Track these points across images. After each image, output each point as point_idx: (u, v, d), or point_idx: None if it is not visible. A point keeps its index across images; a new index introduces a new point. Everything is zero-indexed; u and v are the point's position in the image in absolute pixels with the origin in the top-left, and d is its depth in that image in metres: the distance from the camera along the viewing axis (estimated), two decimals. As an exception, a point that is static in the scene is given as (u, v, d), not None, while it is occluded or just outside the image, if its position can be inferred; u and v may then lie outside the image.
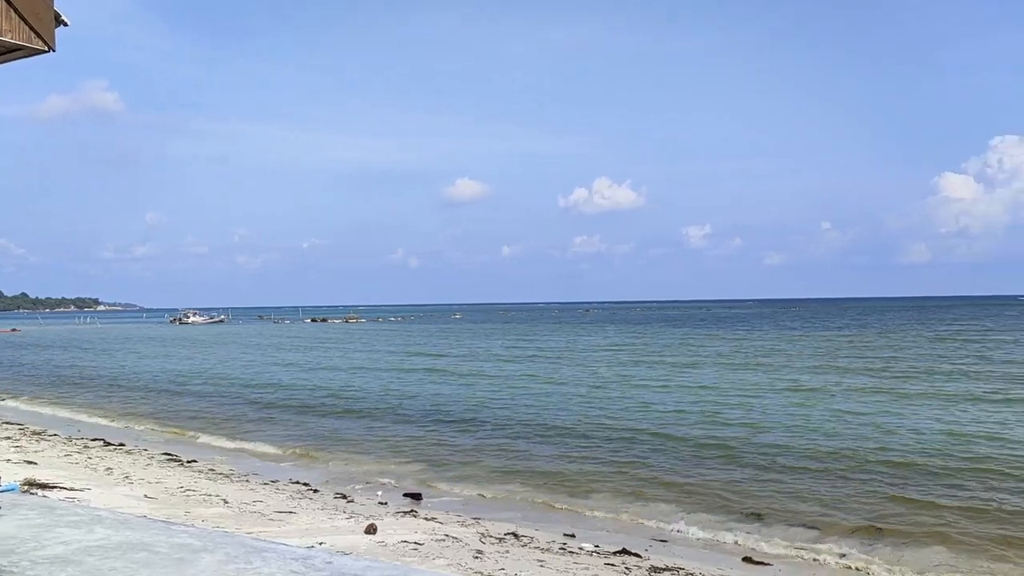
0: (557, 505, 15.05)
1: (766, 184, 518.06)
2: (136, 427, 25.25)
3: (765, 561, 11.71)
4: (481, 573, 9.92)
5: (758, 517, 13.86)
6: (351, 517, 12.93)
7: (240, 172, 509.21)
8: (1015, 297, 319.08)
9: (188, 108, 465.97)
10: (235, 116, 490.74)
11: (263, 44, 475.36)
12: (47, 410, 29.42)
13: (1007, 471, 16.60)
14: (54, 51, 8.76)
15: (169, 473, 16.68)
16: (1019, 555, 11.74)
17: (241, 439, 22.58)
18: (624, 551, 11.68)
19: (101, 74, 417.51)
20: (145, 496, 13.85)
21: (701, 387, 32.01)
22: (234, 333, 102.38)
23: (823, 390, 30.40)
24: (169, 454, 19.39)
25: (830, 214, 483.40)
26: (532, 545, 11.82)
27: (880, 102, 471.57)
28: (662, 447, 19.86)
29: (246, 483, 16.11)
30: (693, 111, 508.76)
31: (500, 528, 12.81)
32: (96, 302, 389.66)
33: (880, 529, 13.06)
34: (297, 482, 16.50)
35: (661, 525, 13.61)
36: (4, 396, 33.71)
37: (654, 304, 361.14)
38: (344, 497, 15.04)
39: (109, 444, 20.64)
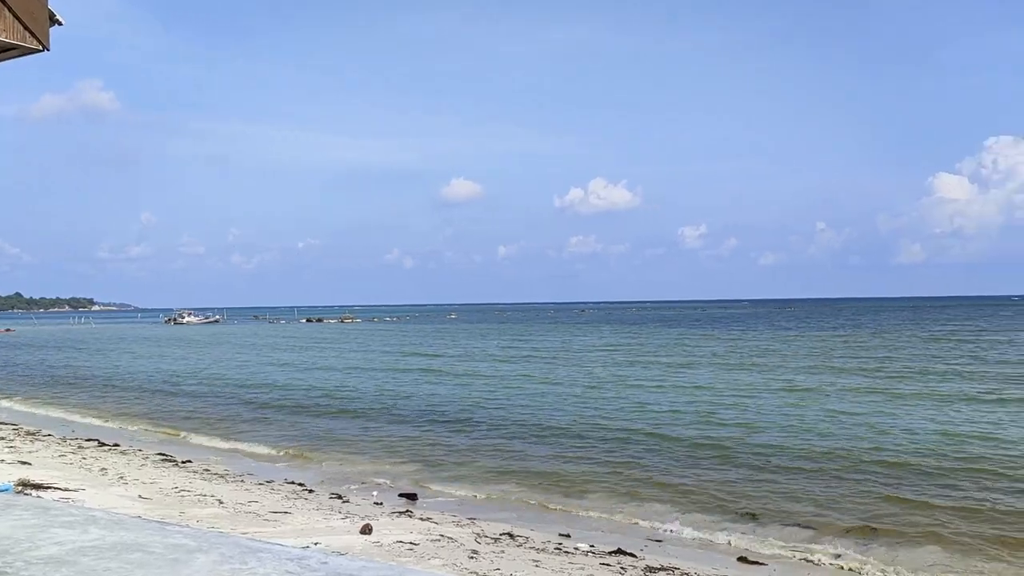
0: (552, 505, 15.06)
1: (761, 184, 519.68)
2: (130, 427, 25.19)
3: (760, 561, 11.73)
4: (477, 573, 9.93)
5: (753, 517, 13.89)
6: (346, 517, 12.92)
7: (235, 172, 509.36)
8: (1009, 297, 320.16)
9: (184, 108, 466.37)
10: (231, 116, 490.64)
11: (262, 44, 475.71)
12: (41, 410, 29.34)
13: (1001, 471, 16.65)
14: (48, 50, 8.74)
15: (164, 473, 16.66)
16: (1013, 555, 11.78)
17: (236, 439, 22.54)
18: (619, 551, 11.69)
19: (96, 73, 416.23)
20: (140, 496, 13.83)
21: (696, 387, 32.05)
22: (229, 333, 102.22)
23: (818, 390, 30.46)
24: (164, 454, 19.36)
25: (825, 214, 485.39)
26: (527, 545, 11.83)
27: (875, 103, 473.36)
28: (657, 447, 19.88)
29: (241, 483, 16.09)
30: (691, 111, 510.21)
31: (495, 528, 12.81)
32: (91, 302, 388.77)
33: (875, 529, 13.09)
34: (292, 482, 16.48)
35: (656, 525, 13.62)
36: (-2, 396, 33.60)
37: (649, 304, 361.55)
38: (339, 497, 15.03)
39: (104, 444, 20.59)
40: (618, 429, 22.43)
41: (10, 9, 8.24)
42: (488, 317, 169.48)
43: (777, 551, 12.18)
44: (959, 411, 24.84)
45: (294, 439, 22.42)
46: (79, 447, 19.85)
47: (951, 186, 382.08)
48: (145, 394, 34.34)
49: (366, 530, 11.71)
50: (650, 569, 10.87)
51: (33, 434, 21.79)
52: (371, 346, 68.55)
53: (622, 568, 10.84)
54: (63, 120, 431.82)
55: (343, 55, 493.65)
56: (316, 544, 10.47)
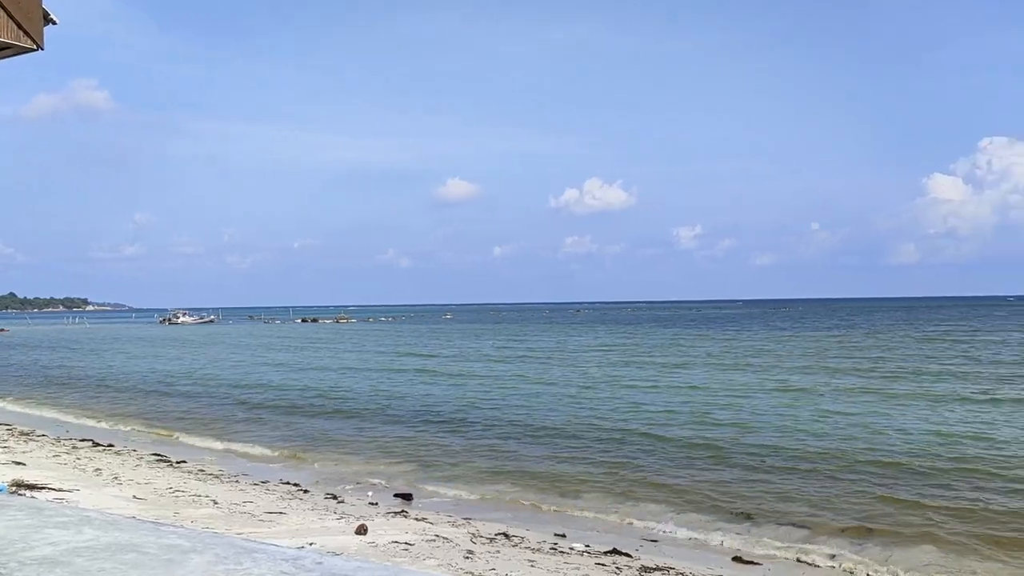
0: (547, 505, 15.07)
1: (756, 185, 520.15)
2: (125, 428, 25.14)
3: (755, 561, 11.75)
4: (472, 573, 9.93)
5: (748, 517, 13.91)
6: (341, 518, 12.91)
7: (230, 172, 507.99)
8: (1003, 298, 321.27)
9: (179, 107, 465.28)
10: (228, 116, 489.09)
11: (262, 44, 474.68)
12: (35, 411, 29.25)
13: (994, 471, 16.70)
14: (43, 49, 8.73)
15: (158, 474, 16.62)
16: (1007, 555, 11.81)
17: (230, 440, 22.49)
18: (615, 551, 11.71)
19: (90, 73, 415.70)
20: (134, 497, 13.80)
21: (691, 387, 32.09)
22: (224, 333, 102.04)
23: (812, 390, 30.51)
24: (158, 455, 19.32)
25: (820, 215, 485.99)
26: (523, 545, 11.83)
27: (871, 103, 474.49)
28: (652, 447, 19.90)
29: (236, 484, 16.06)
30: (691, 111, 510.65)
31: (491, 528, 12.82)
32: (85, 302, 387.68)
33: (869, 529, 13.12)
34: (287, 483, 16.47)
35: (651, 525, 13.64)
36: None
37: (644, 304, 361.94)
38: (334, 498, 15.02)
39: (98, 445, 20.55)
40: (613, 429, 22.45)
41: (5, 9, 8.22)
42: (483, 317, 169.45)
43: (772, 551, 12.20)
44: (953, 411, 24.91)
45: (289, 439, 22.40)
46: (73, 447, 19.80)
47: (945, 187, 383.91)
48: (139, 394, 34.26)
49: (361, 530, 11.70)
50: (645, 569, 10.89)
51: (27, 434, 21.73)
52: (366, 346, 68.49)
53: (617, 568, 10.85)
54: (57, 119, 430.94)
55: (343, 55, 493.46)
56: (311, 544, 10.46)
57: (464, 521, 13.36)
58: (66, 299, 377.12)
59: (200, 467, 17.93)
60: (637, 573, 10.71)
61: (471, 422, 24.50)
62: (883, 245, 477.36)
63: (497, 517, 13.97)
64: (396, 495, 15.69)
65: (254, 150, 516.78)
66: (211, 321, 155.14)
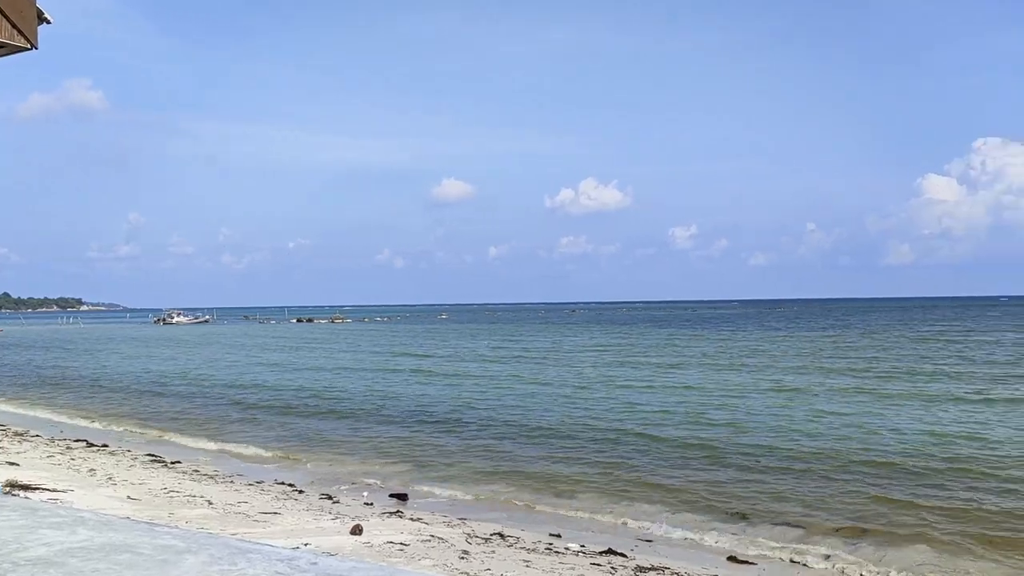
0: (542, 505, 15.07)
1: (755, 185, 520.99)
2: (119, 428, 25.09)
3: (750, 560, 11.78)
4: (467, 573, 9.93)
5: (742, 517, 13.94)
6: (336, 518, 12.91)
7: (226, 172, 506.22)
8: (997, 298, 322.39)
9: (173, 107, 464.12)
10: (223, 116, 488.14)
11: (261, 44, 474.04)
12: (29, 411, 29.18)
13: (988, 471, 16.75)
14: (37, 49, 8.70)
15: (152, 474, 16.59)
16: (1001, 554, 11.85)
17: (225, 440, 22.46)
18: (610, 551, 11.72)
19: (85, 72, 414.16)
20: (128, 497, 13.77)
21: (686, 387, 32.12)
22: (219, 333, 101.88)
23: (807, 391, 30.57)
24: (152, 455, 19.29)
25: (815, 215, 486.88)
26: (518, 545, 11.84)
27: (867, 104, 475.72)
28: (647, 448, 19.92)
29: (230, 484, 16.04)
30: (691, 111, 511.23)
31: (486, 528, 12.82)
32: (79, 302, 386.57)
33: (863, 529, 13.15)
34: (282, 483, 16.45)
35: (646, 525, 13.65)
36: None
37: (640, 304, 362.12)
38: (329, 498, 15.00)
39: (92, 445, 20.50)
40: (608, 429, 22.47)
41: (-2, 7, 8.20)
42: (479, 317, 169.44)
43: (766, 551, 12.22)
44: (947, 411, 24.98)
45: (284, 440, 22.37)
46: (67, 448, 19.75)
47: (940, 187, 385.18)
48: (134, 395, 34.18)
49: (356, 531, 11.69)
50: (640, 569, 10.90)
51: (21, 435, 21.67)
52: (361, 346, 68.44)
53: (612, 568, 10.86)
54: (52, 119, 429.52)
55: (343, 55, 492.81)
56: (306, 545, 10.45)
57: (459, 521, 13.36)
58: (60, 299, 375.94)
59: (195, 467, 17.90)
60: (632, 573, 10.72)
61: (466, 422, 24.50)
62: (878, 245, 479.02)
63: (492, 517, 13.97)
64: (391, 495, 15.68)
65: (246, 150, 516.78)
66: (206, 321, 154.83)
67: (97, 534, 4.19)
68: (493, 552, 11.22)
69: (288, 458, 19.98)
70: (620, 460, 18.53)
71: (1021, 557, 11.71)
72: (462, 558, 10.65)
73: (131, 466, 17.54)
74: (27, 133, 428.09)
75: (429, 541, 11.49)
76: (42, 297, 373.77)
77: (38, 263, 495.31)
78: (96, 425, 25.71)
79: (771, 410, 25.66)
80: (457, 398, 30.31)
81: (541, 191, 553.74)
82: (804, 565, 11.71)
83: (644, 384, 33.66)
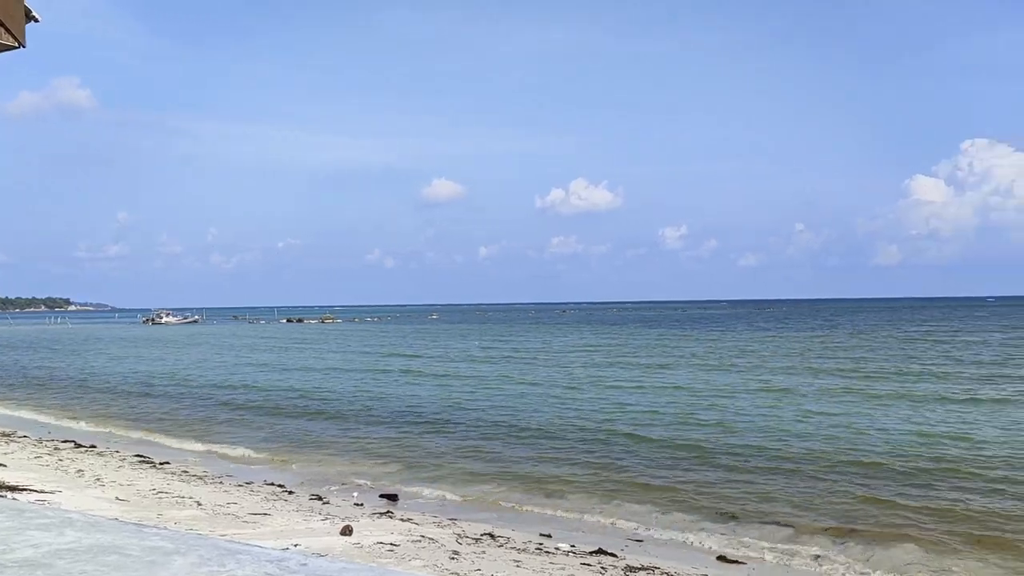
0: (532, 506, 15.08)
1: (750, 185, 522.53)
2: (107, 429, 24.95)
3: (739, 560, 11.82)
4: (457, 574, 9.93)
5: (732, 517, 13.98)
6: (326, 519, 12.88)
7: (216, 171, 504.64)
8: (983, 299, 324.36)
9: (164, 106, 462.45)
10: (211, 115, 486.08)
11: (261, 44, 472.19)
12: (16, 412, 29.00)
13: (975, 471, 16.85)
14: (24, 47, 8.65)
15: (141, 475, 16.52)
16: (988, 554, 11.93)
17: (214, 441, 22.37)
18: (600, 551, 11.74)
19: (73, 71, 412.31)
20: (117, 498, 13.71)
21: (675, 388, 32.19)
22: (208, 334, 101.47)
23: (795, 391, 30.68)
24: (141, 456, 19.20)
25: (804, 216, 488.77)
26: (508, 545, 11.84)
27: (853, 105, 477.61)
28: (636, 448, 19.96)
29: (220, 485, 15.98)
30: (691, 111, 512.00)
31: (476, 529, 12.82)
32: (67, 302, 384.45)
33: (851, 529, 13.21)
34: (271, 484, 16.40)
35: (636, 525, 13.68)
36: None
37: (630, 305, 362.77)
38: (319, 499, 14.97)
39: (80, 446, 20.39)
40: (598, 430, 22.50)
41: (-15, 6, 8.15)
42: (469, 317, 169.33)
43: (756, 551, 12.26)
44: (934, 411, 25.12)
45: (273, 440, 22.30)
46: (55, 448, 19.65)
47: (927, 188, 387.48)
48: (122, 395, 34.02)
49: (346, 531, 11.67)
50: (630, 568, 10.92)
51: (8, 435, 21.53)
52: (351, 346, 68.30)
53: (603, 568, 10.88)
54: (40, 118, 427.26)
55: (343, 55, 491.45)
56: (296, 546, 10.43)
57: (449, 521, 13.36)
58: (48, 299, 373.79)
59: (183, 468, 17.83)
60: (622, 573, 10.74)
61: (456, 423, 24.48)
62: (866, 246, 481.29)
63: (482, 517, 13.98)
64: (381, 496, 15.66)
65: (230, 149, 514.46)
66: (195, 321, 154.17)
67: (85, 535, 4.18)
68: (483, 552, 11.22)
69: (277, 459, 19.91)
70: (610, 460, 18.56)
71: (1007, 557, 11.79)
72: (452, 558, 10.65)
73: (119, 467, 17.46)
74: (16, 132, 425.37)
75: (419, 541, 11.48)
76: (30, 297, 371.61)
77: (26, 262, 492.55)
78: (84, 426, 25.57)
79: (760, 410, 25.74)
80: (447, 398, 30.29)
81: (529, 191, 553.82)
82: (794, 564, 11.76)
83: (634, 384, 33.71)
